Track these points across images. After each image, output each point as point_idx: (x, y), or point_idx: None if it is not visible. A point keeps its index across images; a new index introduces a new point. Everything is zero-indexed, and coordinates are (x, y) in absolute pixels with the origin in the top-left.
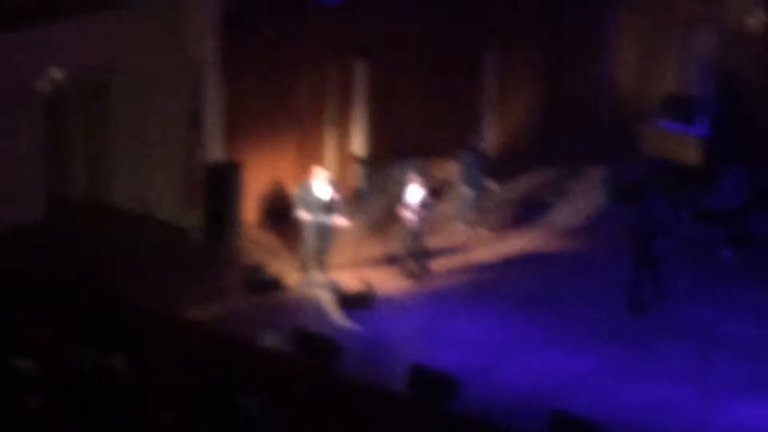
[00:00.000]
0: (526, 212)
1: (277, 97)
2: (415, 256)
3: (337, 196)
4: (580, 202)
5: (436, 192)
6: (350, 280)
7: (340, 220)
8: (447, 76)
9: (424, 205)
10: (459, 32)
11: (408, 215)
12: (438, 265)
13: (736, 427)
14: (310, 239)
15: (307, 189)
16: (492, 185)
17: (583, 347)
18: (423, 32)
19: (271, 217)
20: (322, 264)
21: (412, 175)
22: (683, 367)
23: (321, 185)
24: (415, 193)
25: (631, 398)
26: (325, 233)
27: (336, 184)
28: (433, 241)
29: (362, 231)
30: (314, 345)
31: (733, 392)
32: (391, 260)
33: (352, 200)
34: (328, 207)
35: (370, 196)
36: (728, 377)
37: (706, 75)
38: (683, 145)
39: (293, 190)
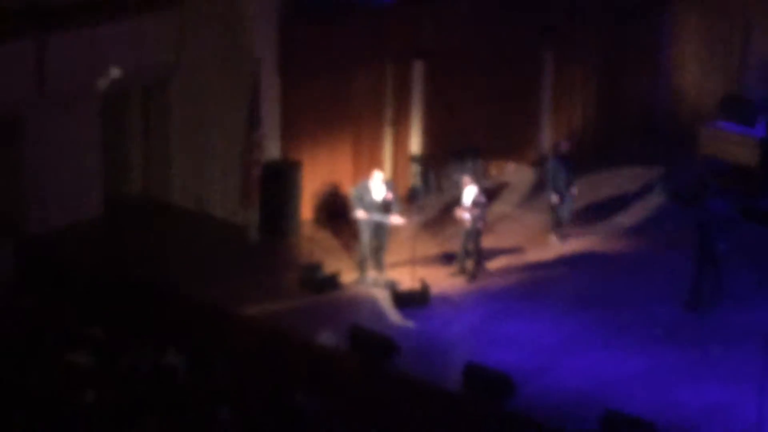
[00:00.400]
0: (584, 213)
1: (334, 97)
2: (470, 255)
3: (391, 196)
4: (637, 203)
5: (491, 192)
6: (406, 279)
7: (396, 219)
8: (504, 77)
9: (477, 204)
10: (517, 33)
11: (462, 215)
12: (493, 264)
13: None
14: (365, 238)
15: (363, 188)
16: (574, 191)
17: (638, 348)
18: (481, 32)
19: (327, 216)
20: (378, 263)
21: (466, 176)
22: (740, 369)
23: (377, 185)
24: (469, 193)
25: (686, 399)
26: (381, 232)
27: (391, 184)
28: (488, 241)
29: (418, 230)
30: (370, 343)
31: None
32: (446, 259)
33: (408, 199)
34: (384, 206)
35: (426, 195)
36: None
37: (765, 76)
38: (741, 146)
39: (350, 190)
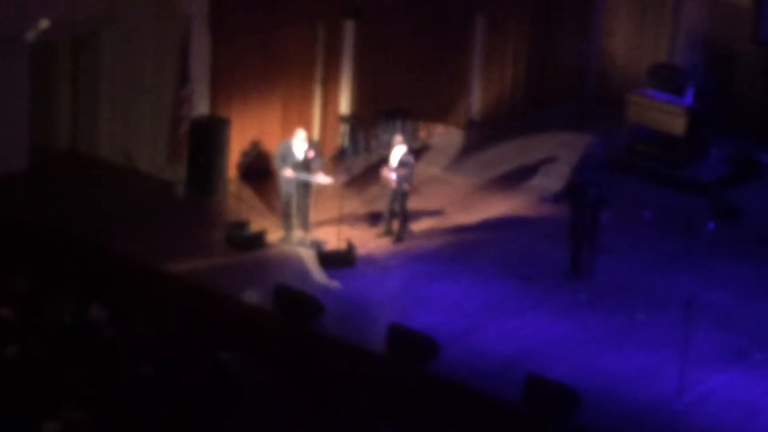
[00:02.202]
0: (509, 177)
1: (265, 55)
2: (395, 216)
3: (313, 154)
4: (564, 169)
5: (419, 154)
6: (332, 239)
7: (320, 178)
8: (435, 39)
9: (404, 164)
10: None
11: (388, 175)
12: (420, 226)
13: (713, 395)
14: (288, 197)
15: (286, 147)
16: None
17: (562, 313)
18: None
19: (255, 174)
20: (303, 222)
21: (398, 135)
22: (662, 336)
23: (300, 144)
24: (397, 152)
25: (609, 365)
26: (305, 191)
27: (316, 144)
28: (415, 203)
29: (344, 190)
30: (295, 302)
31: (712, 361)
32: (373, 219)
33: (336, 159)
34: (308, 165)
35: (354, 155)
36: (707, 347)
37: (694, 45)
38: (669, 114)
39: (275, 148)
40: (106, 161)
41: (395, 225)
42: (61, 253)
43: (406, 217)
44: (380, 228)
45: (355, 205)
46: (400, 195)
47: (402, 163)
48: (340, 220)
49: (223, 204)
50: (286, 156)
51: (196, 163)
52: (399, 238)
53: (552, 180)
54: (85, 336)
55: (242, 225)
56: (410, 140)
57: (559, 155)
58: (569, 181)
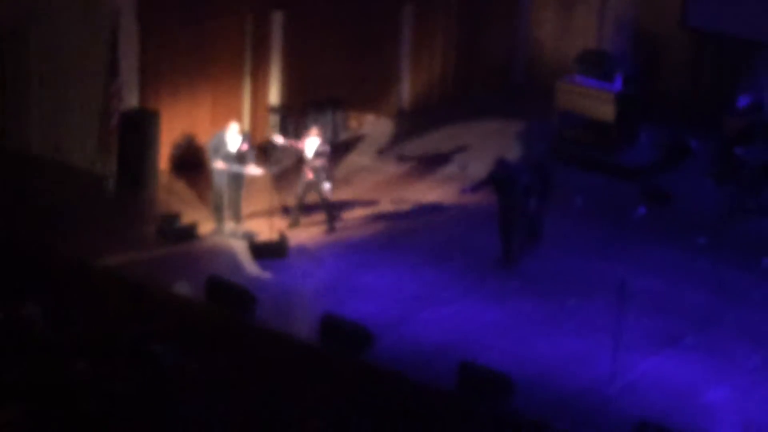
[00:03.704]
0: (438, 165)
1: (193, 46)
2: (302, 206)
3: (247, 147)
4: (494, 156)
5: (349, 143)
6: (264, 230)
7: (252, 170)
8: (364, 29)
9: (319, 155)
10: None
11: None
12: (351, 216)
13: (645, 379)
14: (220, 189)
15: (219, 139)
16: None
17: (494, 300)
18: None
19: (185, 166)
20: (235, 214)
21: (311, 128)
22: (594, 321)
23: (233, 136)
24: (311, 143)
25: (542, 351)
26: (237, 183)
27: (247, 135)
28: (346, 193)
29: (274, 181)
30: (227, 294)
31: (644, 346)
32: (305, 210)
33: (266, 151)
34: (240, 157)
35: (284, 146)
36: (638, 331)
37: (622, 32)
38: (598, 100)
39: (206, 140)
40: (35, 156)
41: (297, 214)
42: None
43: (331, 206)
44: (290, 219)
45: (286, 196)
46: (316, 185)
47: (318, 154)
48: (271, 211)
49: (154, 197)
50: (219, 148)
51: (126, 157)
52: (331, 228)
53: (479, 168)
54: (18, 333)
55: (174, 217)
56: (340, 130)
57: (487, 144)
58: (491, 170)
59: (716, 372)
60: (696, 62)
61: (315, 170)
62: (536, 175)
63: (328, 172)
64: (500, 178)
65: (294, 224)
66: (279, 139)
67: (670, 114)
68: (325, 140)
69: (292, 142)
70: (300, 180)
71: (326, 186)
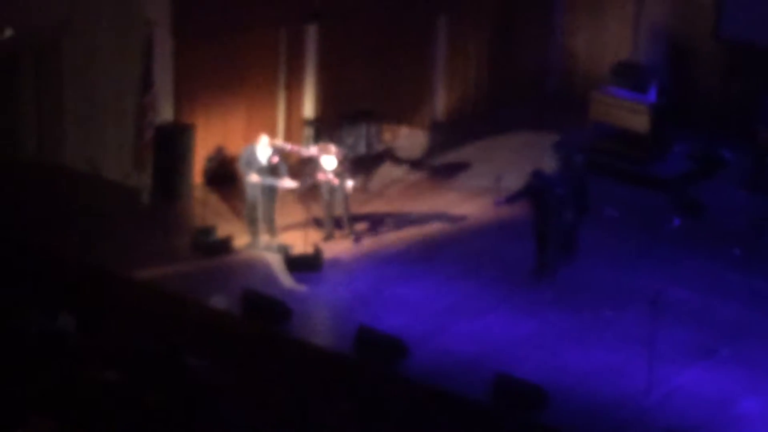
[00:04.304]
0: (472, 177)
1: (228, 59)
2: (332, 219)
3: (277, 159)
4: (528, 168)
5: (383, 156)
6: (299, 243)
7: (286, 183)
8: (398, 41)
9: (336, 171)
10: None
11: (322, 180)
12: (384, 229)
13: (680, 392)
14: (254, 202)
15: (250, 152)
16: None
17: (527, 311)
18: None
19: (220, 179)
20: (270, 227)
21: (328, 146)
22: (628, 333)
23: (264, 149)
24: (329, 159)
25: (576, 363)
26: (271, 196)
27: (281, 148)
28: (379, 205)
29: (309, 194)
30: (263, 307)
31: (678, 358)
32: (338, 223)
33: (302, 164)
34: (273, 170)
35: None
36: (673, 343)
37: (656, 43)
38: (632, 112)
39: (239, 154)
40: (71, 170)
41: (331, 228)
42: (27, 262)
43: (350, 220)
44: (324, 232)
45: (320, 209)
46: (335, 200)
47: (334, 170)
48: (307, 224)
49: (189, 210)
50: (251, 161)
51: (161, 170)
52: (357, 238)
53: (513, 180)
54: (53, 345)
55: (208, 231)
56: (375, 142)
57: (521, 155)
58: (527, 182)
59: (750, 384)
60: (729, 73)
61: (331, 185)
62: (571, 186)
63: (349, 174)
64: (535, 190)
65: (329, 237)
66: (284, 145)
67: (703, 125)
68: (343, 155)
69: (294, 147)
70: (322, 190)
71: (348, 184)
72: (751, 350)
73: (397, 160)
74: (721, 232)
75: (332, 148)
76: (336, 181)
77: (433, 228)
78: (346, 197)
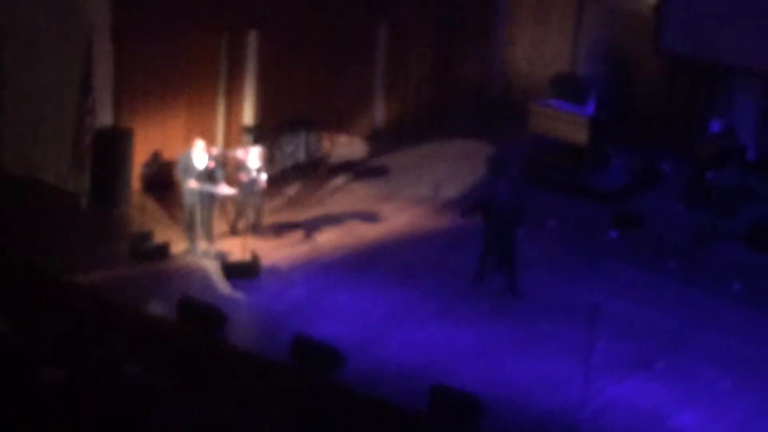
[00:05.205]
0: (411, 186)
1: (168, 65)
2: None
3: (214, 165)
4: (467, 178)
5: (321, 164)
6: (237, 250)
7: (223, 189)
8: (338, 50)
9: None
10: (351, 5)
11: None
12: (323, 237)
13: (617, 403)
14: (191, 208)
15: (187, 158)
16: None
17: (467, 322)
18: (315, 4)
19: (158, 185)
20: (207, 233)
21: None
22: (566, 345)
23: (200, 154)
24: (253, 159)
25: (514, 374)
26: (210, 202)
27: (218, 154)
28: (318, 213)
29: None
30: (199, 314)
31: (614, 370)
32: (277, 229)
33: (239, 170)
34: (210, 176)
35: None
36: (610, 355)
37: (596, 55)
38: (571, 124)
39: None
40: (8, 173)
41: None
42: None
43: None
44: (230, 227)
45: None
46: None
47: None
48: (243, 231)
49: (126, 215)
50: (188, 167)
51: (99, 174)
52: (308, 234)
53: (454, 189)
54: None
55: (146, 236)
56: (314, 150)
57: (460, 165)
58: (480, 194)
59: (686, 396)
60: (669, 86)
61: (247, 188)
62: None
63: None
64: (485, 201)
65: (233, 231)
66: (215, 150)
67: (642, 138)
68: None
69: (227, 152)
70: (239, 187)
71: (263, 177)
72: (688, 363)
73: (336, 169)
74: (659, 245)
75: (255, 148)
76: (259, 180)
77: (373, 236)
78: (261, 198)
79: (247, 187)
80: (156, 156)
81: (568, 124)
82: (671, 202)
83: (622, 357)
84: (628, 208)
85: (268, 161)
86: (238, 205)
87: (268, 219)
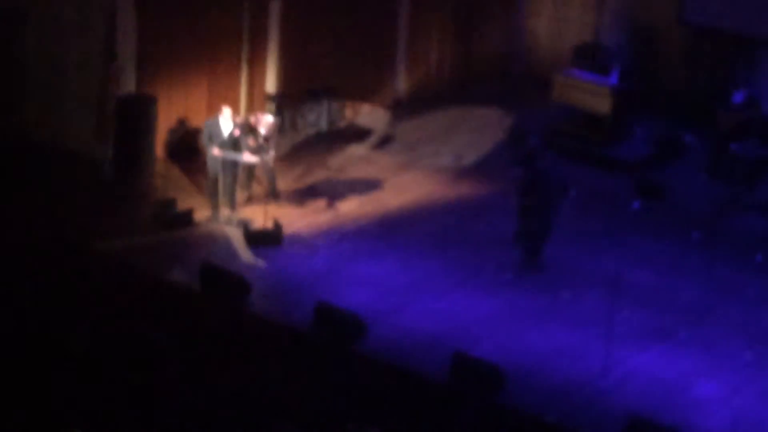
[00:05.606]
0: (433, 155)
1: (191, 32)
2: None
3: (239, 133)
4: (488, 146)
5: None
6: (259, 218)
7: (246, 157)
8: (361, 18)
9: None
10: None
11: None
12: (346, 205)
13: (638, 373)
14: (215, 175)
15: (213, 125)
16: None
17: (488, 291)
18: None
19: (181, 152)
20: (230, 201)
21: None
22: (587, 315)
23: (226, 121)
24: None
25: (534, 343)
26: (233, 170)
27: (243, 123)
28: (339, 182)
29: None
30: (221, 281)
31: (636, 340)
32: (300, 197)
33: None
34: (234, 144)
35: (280, 134)
36: (631, 325)
37: (620, 26)
38: (594, 94)
39: (201, 127)
40: (33, 141)
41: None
42: None
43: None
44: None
45: (282, 183)
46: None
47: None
48: (267, 198)
49: (150, 183)
50: (213, 134)
51: (122, 142)
52: (330, 203)
53: (474, 159)
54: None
55: (169, 204)
56: (336, 119)
57: (482, 134)
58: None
59: (708, 367)
60: (692, 57)
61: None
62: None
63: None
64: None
65: (250, 199)
66: (240, 118)
67: (665, 108)
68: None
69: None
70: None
71: (270, 154)
72: (710, 333)
73: (359, 137)
74: (681, 216)
75: (268, 116)
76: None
77: (395, 205)
78: (272, 166)
79: (254, 152)
80: (179, 123)
81: (591, 95)
82: (694, 173)
83: (643, 327)
84: (651, 179)
85: (291, 129)
86: (246, 171)
87: (290, 186)
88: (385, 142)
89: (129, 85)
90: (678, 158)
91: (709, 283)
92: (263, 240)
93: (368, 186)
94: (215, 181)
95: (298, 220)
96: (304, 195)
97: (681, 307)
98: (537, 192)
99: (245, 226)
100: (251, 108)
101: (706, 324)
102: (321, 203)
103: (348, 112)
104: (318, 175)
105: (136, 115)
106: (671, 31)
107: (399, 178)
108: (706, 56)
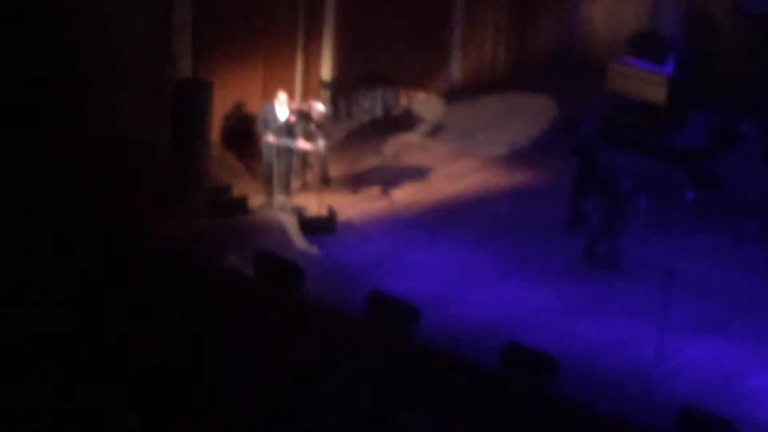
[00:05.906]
0: (490, 144)
1: (247, 18)
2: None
3: (294, 119)
4: (542, 134)
5: (400, 121)
6: (314, 205)
7: (302, 144)
8: (417, 6)
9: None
10: None
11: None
12: (400, 193)
13: (691, 364)
14: (271, 162)
15: (269, 110)
16: None
17: (541, 281)
18: None
19: (237, 138)
20: (285, 187)
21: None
22: (640, 305)
23: (282, 106)
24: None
25: (587, 333)
26: (288, 156)
27: (299, 108)
28: (393, 169)
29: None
30: (275, 268)
31: (689, 331)
32: (355, 184)
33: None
34: (289, 130)
35: (335, 121)
36: (685, 316)
37: (676, 15)
38: (649, 83)
39: (257, 113)
40: (87, 127)
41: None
42: (47, 220)
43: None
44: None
45: (337, 171)
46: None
47: (318, 120)
48: (319, 185)
49: (205, 168)
50: (269, 120)
51: (178, 127)
52: (384, 191)
53: (529, 147)
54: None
55: (224, 190)
56: (391, 107)
57: (537, 121)
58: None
59: (762, 359)
60: (749, 46)
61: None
62: (584, 156)
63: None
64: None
65: (304, 186)
66: (295, 104)
67: (721, 98)
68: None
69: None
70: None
71: (320, 143)
72: (764, 325)
73: (413, 125)
74: (737, 206)
75: (320, 105)
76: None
77: (448, 193)
78: (324, 153)
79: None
80: (235, 109)
81: (647, 83)
82: (750, 162)
83: (697, 318)
84: (706, 168)
85: (346, 116)
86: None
87: (344, 173)
88: (438, 129)
89: (185, 69)
90: (734, 148)
91: (764, 274)
92: (317, 227)
93: (422, 174)
94: (270, 168)
95: (352, 207)
96: (357, 182)
97: (735, 299)
98: (589, 179)
99: (299, 213)
100: (306, 95)
101: (760, 316)
102: (375, 191)
103: (403, 100)
104: (372, 162)
105: (192, 100)
106: (728, 20)
107: (453, 166)
108: (762, 45)
